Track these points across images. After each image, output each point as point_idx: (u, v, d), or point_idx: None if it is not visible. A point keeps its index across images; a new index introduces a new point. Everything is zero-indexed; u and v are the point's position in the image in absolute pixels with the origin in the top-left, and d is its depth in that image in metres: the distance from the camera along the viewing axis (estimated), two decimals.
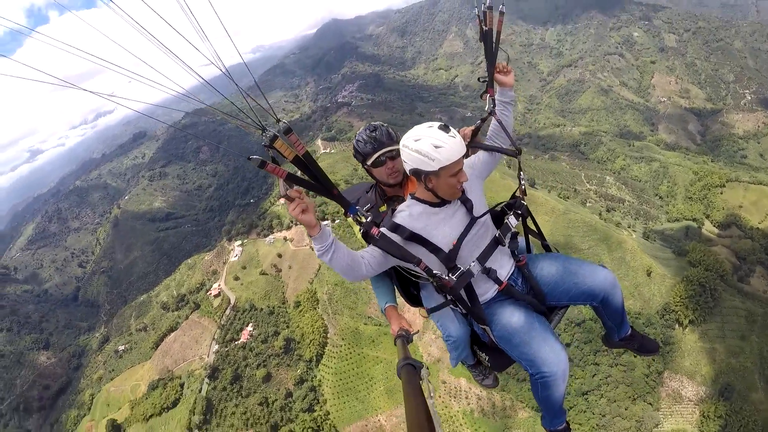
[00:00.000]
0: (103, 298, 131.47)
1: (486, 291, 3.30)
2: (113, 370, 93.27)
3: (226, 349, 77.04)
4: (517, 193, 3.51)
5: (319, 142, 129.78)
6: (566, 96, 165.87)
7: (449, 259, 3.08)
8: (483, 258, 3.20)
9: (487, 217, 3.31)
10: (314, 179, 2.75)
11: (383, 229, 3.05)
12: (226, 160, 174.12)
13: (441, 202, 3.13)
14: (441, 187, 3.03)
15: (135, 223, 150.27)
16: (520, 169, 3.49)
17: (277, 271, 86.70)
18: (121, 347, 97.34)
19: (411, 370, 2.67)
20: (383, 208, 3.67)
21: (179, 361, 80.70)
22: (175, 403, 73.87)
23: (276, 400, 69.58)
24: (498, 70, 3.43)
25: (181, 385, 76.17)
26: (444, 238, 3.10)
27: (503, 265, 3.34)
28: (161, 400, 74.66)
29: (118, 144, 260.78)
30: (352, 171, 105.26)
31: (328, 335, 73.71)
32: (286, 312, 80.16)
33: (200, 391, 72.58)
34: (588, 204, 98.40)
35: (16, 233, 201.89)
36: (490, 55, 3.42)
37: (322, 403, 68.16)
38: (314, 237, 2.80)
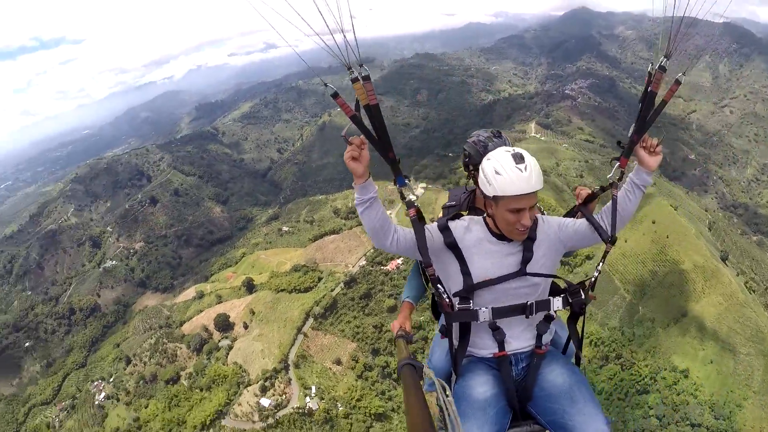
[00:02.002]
0: (288, 184, 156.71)
1: (481, 347, 3.19)
2: (270, 242, 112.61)
3: (371, 269, 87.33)
4: (586, 283, 3.23)
5: (533, 124, 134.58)
6: None
7: (469, 289, 3.04)
8: (498, 313, 3.05)
9: (542, 283, 3.16)
10: (376, 134, 2.84)
11: (431, 225, 3.12)
12: (440, 109, 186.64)
13: (501, 236, 3.07)
14: (498, 217, 2.99)
15: (338, 134, 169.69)
16: (603, 260, 3.26)
17: None
18: (285, 228, 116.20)
19: (412, 370, 2.88)
20: (464, 213, 3.61)
21: (327, 259, 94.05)
22: (307, 290, 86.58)
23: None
24: (644, 144, 3.09)
25: (319, 279, 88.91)
26: (480, 270, 3.04)
27: (518, 337, 3.18)
28: (297, 282, 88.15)
29: None
30: (554, 165, 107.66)
31: None
32: None
33: (332, 291, 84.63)
34: None
35: (234, 106, 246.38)
36: (641, 123, 3.16)
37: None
38: (357, 186, 2.87)
